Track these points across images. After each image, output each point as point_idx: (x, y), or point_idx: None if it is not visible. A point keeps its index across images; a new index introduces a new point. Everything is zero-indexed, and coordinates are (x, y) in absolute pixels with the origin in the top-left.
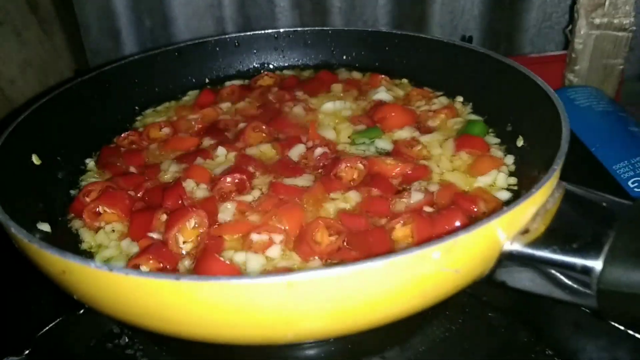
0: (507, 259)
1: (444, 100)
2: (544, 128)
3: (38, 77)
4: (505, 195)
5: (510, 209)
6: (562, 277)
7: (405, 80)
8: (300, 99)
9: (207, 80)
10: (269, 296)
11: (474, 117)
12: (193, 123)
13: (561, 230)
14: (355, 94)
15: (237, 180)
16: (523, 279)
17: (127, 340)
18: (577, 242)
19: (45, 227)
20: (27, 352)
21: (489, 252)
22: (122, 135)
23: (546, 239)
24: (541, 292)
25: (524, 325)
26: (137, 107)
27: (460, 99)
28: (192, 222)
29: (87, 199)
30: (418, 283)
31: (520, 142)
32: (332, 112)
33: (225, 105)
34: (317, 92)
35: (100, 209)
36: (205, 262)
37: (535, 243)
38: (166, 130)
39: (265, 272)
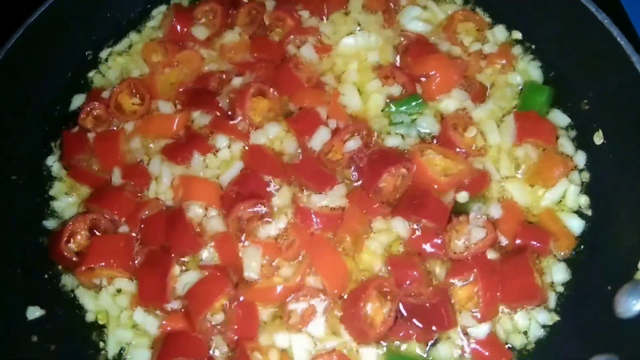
0: None
1: (499, 34)
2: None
3: None
4: (577, 225)
5: None
6: None
7: None
8: (308, 30)
9: None
10: None
11: (535, 72)
12: (172, 82)
13: None
14: (379, 18)
15: (254, 209)
16: None
17: None
18: None
19: (37, 311)
20: None
21: None
22: (84, 111)
23: None
24: None
25: None
26: (89, 53)
27: (518, 35)
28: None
29: (73, 247)
30: None
31: (599, 139)
32: (355, 53)
33: (201, 32)
34: (329, 9)
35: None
36: None
37: None
38: (137, 101)
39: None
